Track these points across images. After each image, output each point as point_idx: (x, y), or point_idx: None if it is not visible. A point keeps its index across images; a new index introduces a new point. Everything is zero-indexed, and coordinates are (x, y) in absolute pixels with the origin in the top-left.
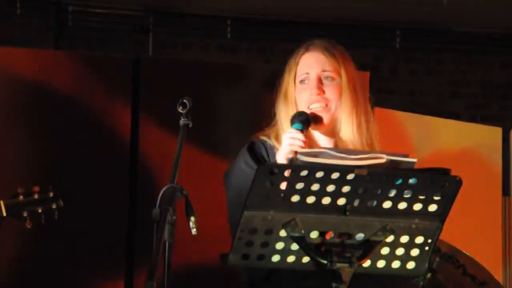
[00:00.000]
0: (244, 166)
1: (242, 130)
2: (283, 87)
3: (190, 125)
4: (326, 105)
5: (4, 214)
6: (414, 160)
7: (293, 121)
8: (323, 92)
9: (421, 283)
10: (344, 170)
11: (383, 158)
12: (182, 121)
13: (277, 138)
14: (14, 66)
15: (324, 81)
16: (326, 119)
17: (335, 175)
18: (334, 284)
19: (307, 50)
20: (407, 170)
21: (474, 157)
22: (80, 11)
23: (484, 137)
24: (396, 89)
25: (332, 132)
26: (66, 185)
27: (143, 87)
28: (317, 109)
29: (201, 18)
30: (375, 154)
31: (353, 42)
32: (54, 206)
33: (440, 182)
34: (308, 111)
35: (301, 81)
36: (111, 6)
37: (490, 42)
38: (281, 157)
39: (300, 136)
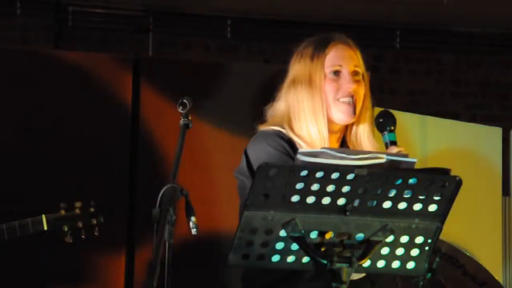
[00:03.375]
0: None
1: (242, 131)
2: (305, 73)
3: (190, 125)
4: (356, 101)
5: (45, 228)
6: (414, 160)
7: (382, 126)
8: (358, 87)
9: (421, 283)
10: (344, 170)
11: (383, 158)
12: (182, 121)
13: (293, 129)
14: (14, 66)
15: (356, 78)
16: (352, 116)
17: (335, 175)
18: (334, 284)
19: (336, 42)
20: (407, 170)
21: (474, 157)
22: (80, 11)
23: (484, 137)
24: (396, 89)
25: (343, 132)
26: (66, 185)
27: (143, 87)
28: (345, 103)
29: (201, 18)
30: (375, 154)
31: (353, 42)
32: (94, 222)
33: (440, 182)
34: (335, 102)
35: (334, 72)
36: (111, 6)
37: (490, 42)
38: None
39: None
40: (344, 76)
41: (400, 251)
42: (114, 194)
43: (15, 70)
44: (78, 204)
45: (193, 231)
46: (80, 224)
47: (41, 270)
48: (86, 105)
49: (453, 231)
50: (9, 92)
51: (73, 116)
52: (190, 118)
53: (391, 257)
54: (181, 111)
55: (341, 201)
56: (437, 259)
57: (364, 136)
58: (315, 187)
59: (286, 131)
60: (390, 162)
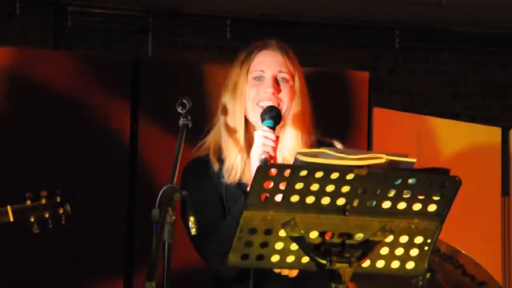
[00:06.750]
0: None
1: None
2: (232, 80)
3: (190, 125)
4: (278, 104)
5: (11, 219)
6: (413, 160)
7: (263, 116)
8: (279, 92)
9: (421, 283)
10: (344, 170)
11: (382, 158)
12: (181, 121)
13: (216, 153)
14: (13, 66)
15: (280, 82)
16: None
17: (334, 175)
18: (333, 284)
19: (263, 48)
20: (407, 170)
21: (473, 157)
22: (80, 11)
23: (483, 137)
24: (395, 89)
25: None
26: (66, 185)
27: (142, 87)
28: (263, 108)
29: (200, 18)
30: (374, 154)
31: (352, 42)
32: (61, 211)
33: (439, 182)
34: (255, 107)
35: (256, 78)
36: (110, 6)
37: (490, 42)
38: (255, 158)
39: (273, 136)
40: (265, 80)
41: (399, 251)
42: (114, 195)
43: (15, 70)
44: (43, 193)
45: (192, 231)
46: (46, 214)
47: (40, 270)
48: (85, 105)
49: (453, 231)
50: (8, 93)
51: (72, 116)
52: (189, 118)
53: (390, 257)
54: (181, 111)
55: (340, 201)
56: (437, 259)
57: (286, 141)
58: (314, 187)
59: (209, 154)
60: (389, 162)
